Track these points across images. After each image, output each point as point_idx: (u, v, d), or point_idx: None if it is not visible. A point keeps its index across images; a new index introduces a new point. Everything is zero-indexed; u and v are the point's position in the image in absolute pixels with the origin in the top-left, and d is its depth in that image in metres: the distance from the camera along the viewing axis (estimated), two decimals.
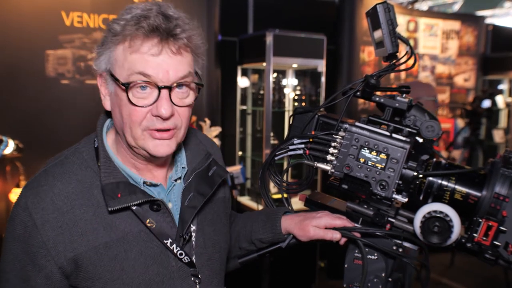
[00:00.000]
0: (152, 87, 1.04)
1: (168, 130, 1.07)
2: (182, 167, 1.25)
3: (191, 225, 1.21)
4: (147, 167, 1.17)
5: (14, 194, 3.09)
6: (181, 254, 1.15)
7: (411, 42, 5.29)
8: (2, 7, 3.13)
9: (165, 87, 1.04)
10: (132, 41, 1.02)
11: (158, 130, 1.06)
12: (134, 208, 1.10)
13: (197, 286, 1.19)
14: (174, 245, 1.14)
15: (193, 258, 1.19)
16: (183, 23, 1.05)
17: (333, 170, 1.19)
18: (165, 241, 1.13)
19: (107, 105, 1.13)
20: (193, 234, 1.21)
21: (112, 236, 1.08)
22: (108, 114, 1.18)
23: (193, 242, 1.21)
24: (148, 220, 1.11)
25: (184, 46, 1.05)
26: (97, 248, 1.07)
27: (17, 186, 3.13)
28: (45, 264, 1.05)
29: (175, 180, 1.23)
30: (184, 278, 1.17)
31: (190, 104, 1.11)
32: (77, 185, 1.09)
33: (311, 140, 1.24)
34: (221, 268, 1.31)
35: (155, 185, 1.18)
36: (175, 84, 1.05)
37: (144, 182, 1.15)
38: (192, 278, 1.18)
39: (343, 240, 1.26)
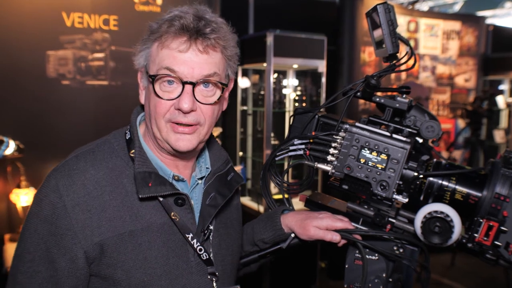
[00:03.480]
0: (177, 82, 1.10)
1: (189, 125, 1.12)
2: (206, 168, 1.30)
3: (210, 225, 1.24)
4: (173, 163, 1.22)
5: (15, 195, 3.09)
6: (200, 249, 1.18)
7: (412, 43, 5.30)
8: (3, 8, 3.13)
9: (189, 83, 1.09)
10: (163, 38, 1.09)
11: (179, 124, 1.12)
12: (161, 199, 1.14)
13: (214, 284, 1.21)
14: (195, 240, 1.17)
15: (211, 257, 1.21)
16: (215, 24, 1.10)
17: (333, 171, 1.19)
18: (187, 235, 1.16)
19: (142, 99, 1.20)
20: (211, 234, 1.25)
21: (137, 225, 1.12)
22: (143, 109, 1.25)
23: (211, 241, 1.24)
24: (172, 213, 1.15)
25: (212, 46, 1.10)
26: (122, 235, 1.10)
27: (18, 186, 3.13)
28: (71, 247, 1.07)
29: (199, 179, 1.28)
30: (202, 275, 1.19)
31: (214, 103, 1.15)
32: (108, 172, 1.13)
33: (311, 140, 1.24)
34: (232, 271, 1.33)
35: (181, 180, 1.22)
36: (200, 81, 1.10)
37: (173, 176, 1.20)
38: (209, 277, 1.20)
39: (342, 242, 1.26)
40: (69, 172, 1.10)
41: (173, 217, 1.14)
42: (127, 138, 1.20)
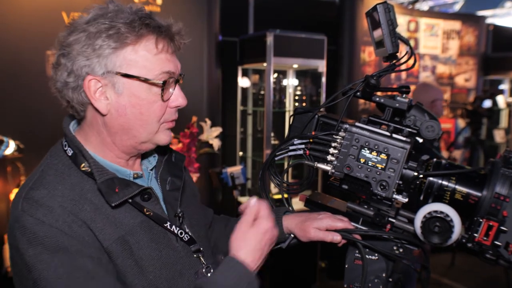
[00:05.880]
0: (172, 82, 1.15)
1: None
2: (153, 156, 1.31)
3: (178, 208, 1.26)
4: (127, 163, 1.20)
5: (15, 195, 3.09)
6: (181, 233, 1.20)
7: (412, 42, 5.29)
8: (3, 7, 3.13)
9: (178, 81, 1.17)
10: (148, 42, 1.08)
11: (172, 121, 1.18)
12: (130, 200, 1.12)
13: (202, 259, 1.24)
14: (174, 226, 1.19)
15: (191, 235, 1.24)
16: (171, 23, 1.14)
17: (333, 171, 1.19)
18: (165, 225, 1.18)
19: (105, 108, 1.09)
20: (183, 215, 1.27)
21: (121, 231, 1.09)
22: (72, 118, 1.21)
23: (184, 223, 1.27)
24: (145, 209, 1.14)
25: (180, 44, 1.17)
26: (116, 242, 1.07)
27: (18, 186, 3.13)
28: (93, 241, 1.02)
29: (151, 170, 1.29)
30: (190, 255, 1.22)
31: None
32: (71, 189, 1.06)
33: (311, 140, 1.24)
34: (209, 244, 1.37)
35: (140, 177, 1.23)
36: (181, 78, 1.18)
37: (133, 175, 1.20)
38: (195, 255, 1.23)
39: (342, 242, 1.27)
40: (38, 202, 1.01)
41: (147, 213, 1.15)
42: (69, 154, 1.12)
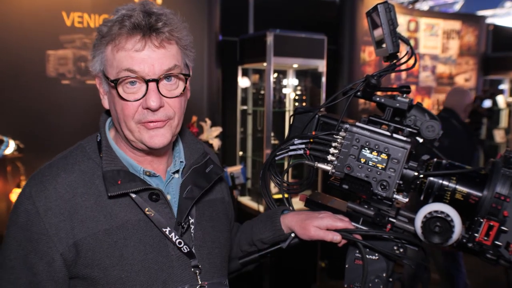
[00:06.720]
0: (140, 81, 1.09)
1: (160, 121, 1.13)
2: (180, 161, 1.29)
3: (190, 218, 1.24)
4: (146, 159, 1.22)
5: (15, 194, 3.09)
6: (180, 243, 1.18)
7: (412, 42, 5.29)
8: (3, 7, 3.13)
9: (152, 80, 1.09)
10: (117, 40, 1.08)
11: (150, 122, 1.12)
12: (133, 196, 1.14)
13: (198, 277, 1.20)
14: (173, 234, 1.17)
15: (193, 250, 1.21)
16: (165, 17, 1.10)
17: (333, 170, 1.19)
18: (164, 230, 1.16)
19: (106, 104, 1.19)
20: (192, 227, 1.24)
21: (112, 223, 1.12)
22: (109, 113, 1.24)
23: (192, 234, 1.23)
24: (147, 209, 1.15)
25: (166, 39, 1.10)
26: (96, 234, 1.10)
27: (18, 186, 3.13)
28: (47, 251, 1.08)
29: (173, 173, 1.27)
30: (184, 268, 1.19)
31: (180, 95, 1.15)
32: (80, 174, 1.14)
33: (311, 140, 1.24)
34: (222, 264, 1.32)
35: (154, 176, 1.22)
36: (162, 76, 1.10)
37: (144, 172, 1.20)
38: (192, 269, 1.20)
39: (342, 242, 1.26)
40: (42, 179, 1.13)
41: (147, 213, 1.15)
42: (98, 140, 1.21)
